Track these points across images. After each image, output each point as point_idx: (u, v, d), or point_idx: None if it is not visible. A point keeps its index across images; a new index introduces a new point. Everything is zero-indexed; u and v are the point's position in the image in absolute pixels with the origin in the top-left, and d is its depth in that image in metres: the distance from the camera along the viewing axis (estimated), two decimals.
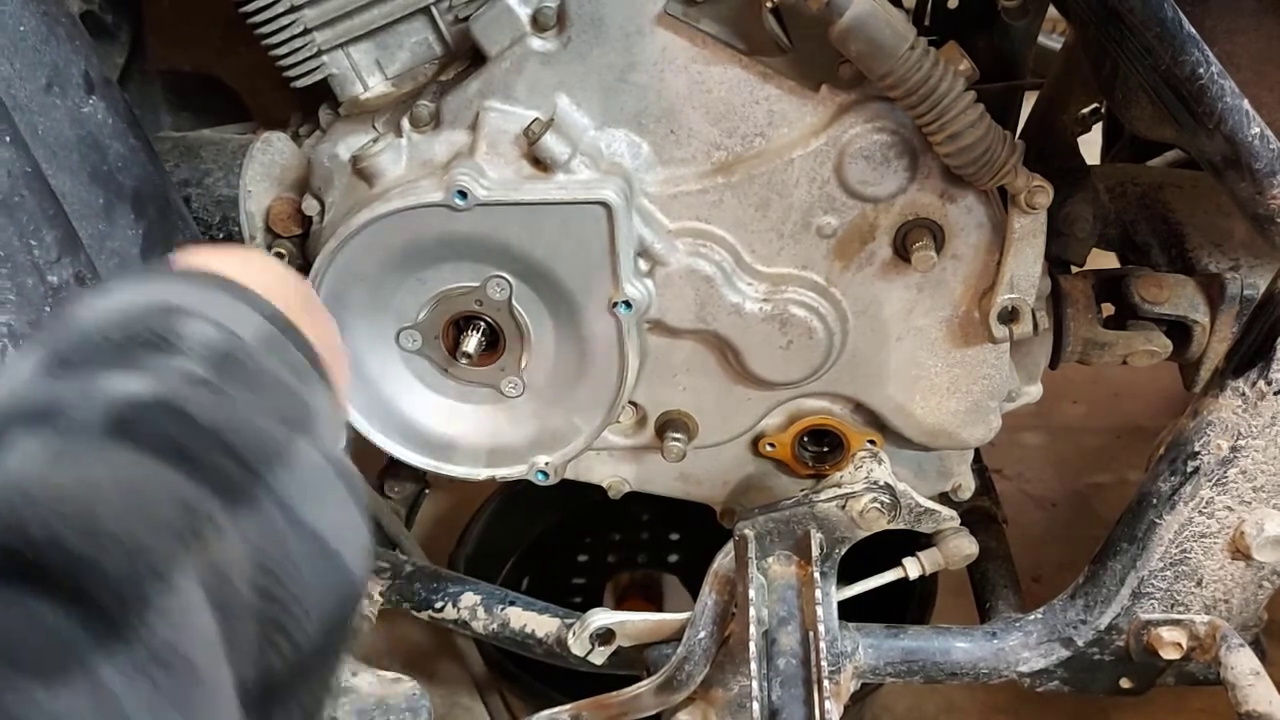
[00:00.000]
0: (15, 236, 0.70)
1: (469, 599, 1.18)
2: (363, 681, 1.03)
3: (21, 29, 0.75)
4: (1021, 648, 1.07)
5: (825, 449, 1.13)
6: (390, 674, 1.04)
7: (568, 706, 1.06)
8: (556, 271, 0.95)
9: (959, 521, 1.07)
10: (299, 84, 0.91)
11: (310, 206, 1.01)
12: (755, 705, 0.90)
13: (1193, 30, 0.82)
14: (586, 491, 1.19)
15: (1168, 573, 1.01)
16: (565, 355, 1.01)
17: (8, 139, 0.69)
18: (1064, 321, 1.10)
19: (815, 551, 1.02)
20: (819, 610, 0.96)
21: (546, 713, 1.06)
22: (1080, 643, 1.05)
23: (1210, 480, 0.97)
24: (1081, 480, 1.99)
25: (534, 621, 1.16)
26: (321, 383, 0.58)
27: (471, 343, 0.99)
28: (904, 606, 1.40)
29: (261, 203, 1.04)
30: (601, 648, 1.09)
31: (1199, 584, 1.02)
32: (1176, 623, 1.03)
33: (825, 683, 0.90)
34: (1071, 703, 1.52)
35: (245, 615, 0.43)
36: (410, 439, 1.08)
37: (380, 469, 1.35)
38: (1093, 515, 1.91)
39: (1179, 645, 1.02)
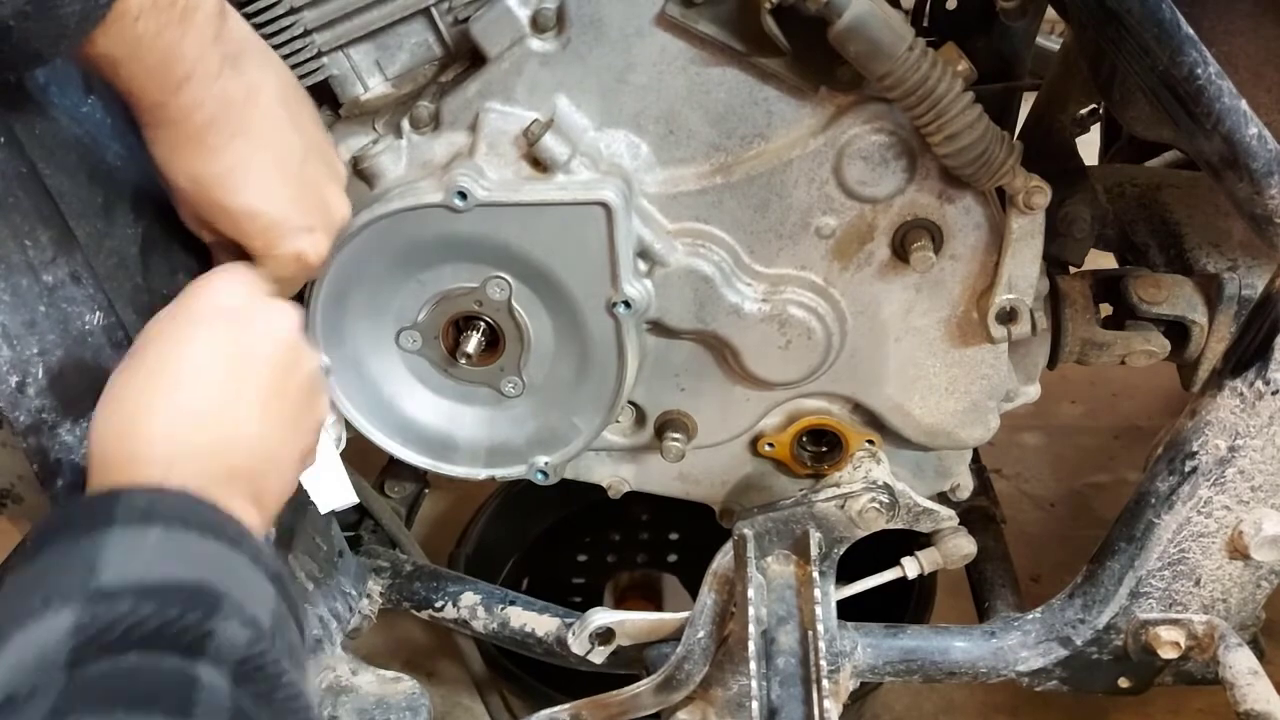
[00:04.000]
0: (9, 237, 0.70)
1: (469, 598, 1.19)
2: (362, 680, 1.03)
3: None
4: (1020, 647, 1.07)
5: (824, 449, 1.13)
6: (390, 673, 1.04)
7: (567, 706, 1.06)
8: (556, 272, 0.96)
9: (957, 521, 1.07)
10: None
11: None
12: (754, 704, 0.90)
13: (1190, 31, 0.83)
14: (586, 491, 1.19)
15: (1166, 572, 1.01)
16: (565, 355, 1.01)
17: (1, 140, 0.70)
18: (1062, 322, 1.10)
19: (814, 551, 1.02)
20: (818, 610, 0.96)
21: (546, 712, 1.07)
22: (1079, 642, 1.05)
23: (1208, 480, 0.97)
24: (1080, 480, 2.00)
25: (534, 621, 1.16)
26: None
27: (471, 343, 0.99)
28: (903, 606, 1.40)
29: None
30: (601, 647, 1.09)
31: (1197, 583, 1.02)
32: (1175, 622, 1.03)
33: (824, 682, 0.90)
34: (1070, 702, 1.53)
35: None
36: (410, 439, 1.08)
37: (380, 469, 1.35)
38: (1091, 515, 1.92)
39: (1177, 644, 1.02)
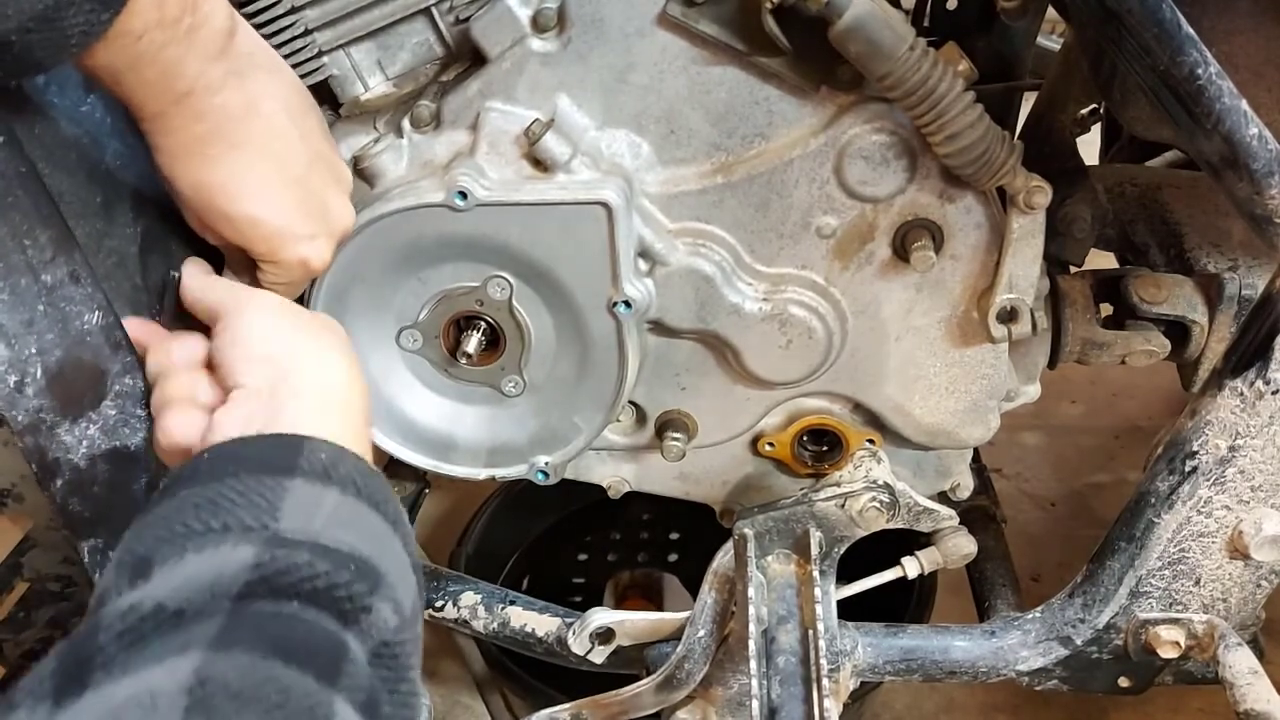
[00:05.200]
0: (9, 237, 0.70)
1: (469, 598, 1.19)
2: None
3: None
4: (1020, 646, 1.07)
5: (824, 448, 1.13)
6: None
7: (567, 705, 1.06)
8: (557, 271, 0.96)
9: (958, 521, 1.07)
10: None
11: None
12: (754, 703, 0.90)
13: (1191, 31, 0.83)
14: (587, 491, 1.19)
15: (1166, 572, 1.01)
16: (565, 355, 1.01)
17: (1, 139, 0.70)
18: (1062, 321, 1.10)
19: (814, 550, 1.02)
20: (818, 609, 0.96)
21: (546, 711, 1.07)
22: (1079, 641, 1.05)
23: (1208, 480, 0.97)
24: (1080, 480, 2.00)
25: (534, 620, 1.16)
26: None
27: (472, 342, 0.99)
28: (903, 605, 1.40)
29: None
30: (601, 646, 1.09)
31: (1197, 583, 1.02)
32: (1175, 622, 1.03)
33: (824, 681, 0.90)
34: (1070, 701, 1.53)
35: None
36: (411, 438, 1.08)
37: (381, 468, 1.35)
38: (1091, 515, 1.92)
39: (1177, 644, 1.02)
